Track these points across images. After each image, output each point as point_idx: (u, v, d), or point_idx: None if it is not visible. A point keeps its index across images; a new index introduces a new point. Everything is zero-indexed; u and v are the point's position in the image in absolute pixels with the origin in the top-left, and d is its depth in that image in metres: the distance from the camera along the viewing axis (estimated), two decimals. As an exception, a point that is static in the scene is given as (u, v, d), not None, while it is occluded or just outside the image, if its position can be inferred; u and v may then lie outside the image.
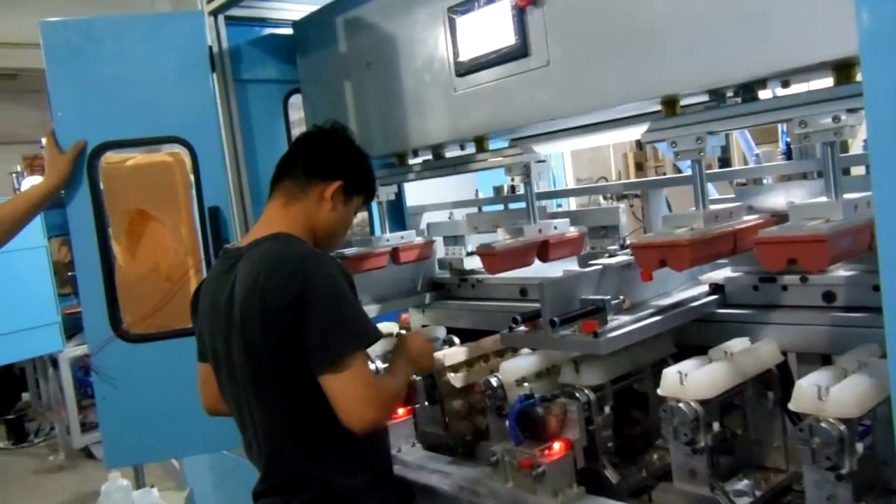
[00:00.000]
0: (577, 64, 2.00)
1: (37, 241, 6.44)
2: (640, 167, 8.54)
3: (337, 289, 1.82)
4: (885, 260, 1.09)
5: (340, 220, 2.07)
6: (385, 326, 3.22)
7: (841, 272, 1.98)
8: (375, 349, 2.50)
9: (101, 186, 2.68)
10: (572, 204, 6.65)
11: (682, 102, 1.95)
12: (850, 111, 1.58)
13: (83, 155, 2.63)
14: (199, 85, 2.78)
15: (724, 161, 6.11)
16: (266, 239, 1.94)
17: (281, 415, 1.89)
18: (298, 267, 1.81)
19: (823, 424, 1.53)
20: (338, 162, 2.06)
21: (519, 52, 2.10)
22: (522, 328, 2.07)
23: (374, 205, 3.01)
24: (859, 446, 1.55)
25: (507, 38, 2.13)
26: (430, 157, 2.76)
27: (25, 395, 8.71)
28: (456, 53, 2.30)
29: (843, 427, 1.53)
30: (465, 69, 2.28)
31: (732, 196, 2.21)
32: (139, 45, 2.72)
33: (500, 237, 2.36)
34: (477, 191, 3.25)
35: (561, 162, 7.05)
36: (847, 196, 1.65)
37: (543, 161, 2.35)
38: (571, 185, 7.20)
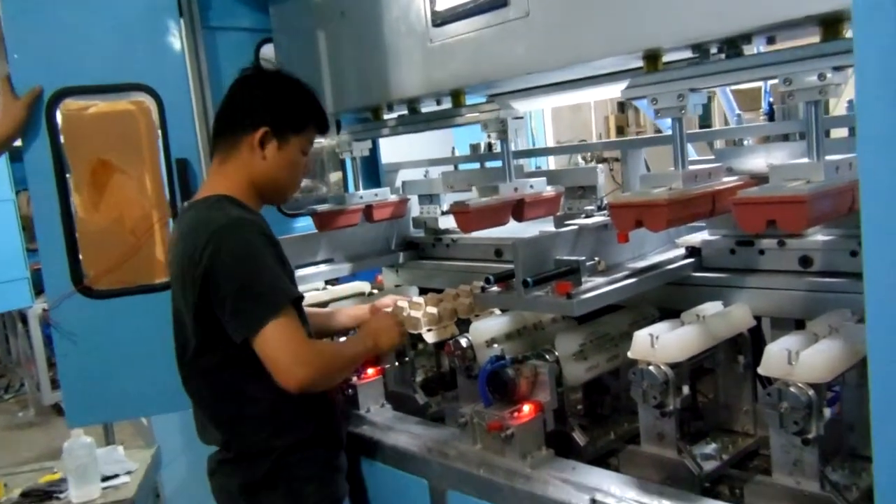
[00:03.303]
0: (557, 15, 1.93)
1: (4, 195, 6.26)
2: (621, 130, 8.45)
3: (248, 256, 1.80)
4: (868, 222, 1.05)
5: (280, 166, 1.98)
6: (356, 286, 3.19)
7: (819, 237, 1.96)
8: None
9: (61, 135, 2.57)
10: (552, 165, 6.60)
11: (665, 59, 1.90)
12: (836, 69, 1.53)
13: (40, 101, 2.51)
14: (166, 31, 2.65)
15: (706, 126, 6.09)
16: (198, 203, 1.94)
17: (203, 382, 1.94)
18: (211, 237, 1.80)
19: (792, 389, 1.52)
20: (259, 106, 1.96)
21: (498, 1, 2.03)
22: (495, 288, 2.03)
23: (347, 161, 2.93)
24: (827, 411, 1.54)
25: (486, -13, 2.04)
26: (405, 112, 2.68)
27: (-4, 351, 8.60)
28: (433, 2, 2.21)
29: (811, 392, 1.52)
30: (442, 19, 2.19)
31: (712, 157, 2.17)
32: (105, -13, 2.58)
33: (475, 195, 2.30)
34: (453, 149, 3.17)
35: (541, 124, 6.97)
36: (829, 157, 1.61)
37: (521, 118, 2.29)
38: (552, 145, 7.14)
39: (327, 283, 3.13)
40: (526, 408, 1.89)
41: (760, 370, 1.61)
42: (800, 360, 1.54)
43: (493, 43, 2.08)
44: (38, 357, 6.74)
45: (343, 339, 2.47)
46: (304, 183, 3.58)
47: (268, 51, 3.00)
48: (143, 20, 2.63)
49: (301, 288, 3.00)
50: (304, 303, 2.93)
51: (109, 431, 3.97)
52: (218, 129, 2.02)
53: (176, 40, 2.68)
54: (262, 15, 2.93)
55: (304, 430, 1.98)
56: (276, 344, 1.78)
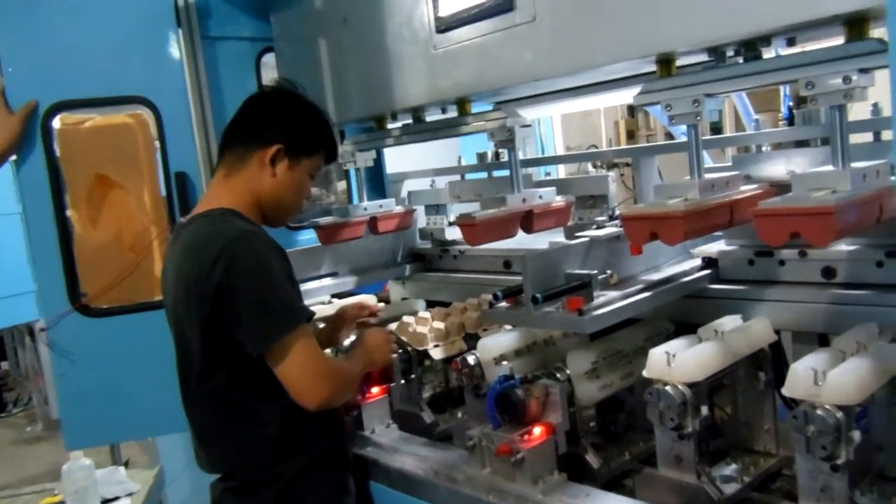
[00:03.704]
0: (566, 19, 1.85)
1: (9, 208, 6.21)
2: (631, 135, 8.36)
3: (263, 271, 1.75)
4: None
5: (287, 186, 1.95)
6: (361, 298, 3.11)
7: (842, 246, 1.87)
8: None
9: (57, 150, 2.51)
10: (561, 172, 6.52)
11: (679, 62, 1.82)
12: (862, 71, 1.44)
13: (35, 115, 2.46)
14: (164, 41, 2.60)
15: (716, 130, 5.96)
16: (200, 217, 1.89)
17: (209, 404, 1.88)
18: (223, 250, 1.74)
19: (819, 412, 1.45)
20: (275, 123, 1.93)
21: (503, 5, 1.95)
22: (503, 304, 1.95)
23: (351, 172, 2.86)
24: (856, 434, 1.47)
25: (491, -9, 1.97)
26: (409, 121, 2.61)
27: (4, 365, 8.57)
28: (436, 8, 2.14)
29: (839, 414, 1.44)
30: (446, 25, 2.12)
31: (728, 164, 2.08)
32: (99, -1, 2.52)
33: (482, 206, 2.22)
34: (460, 158, 3.10)
35: (550, 130, 6.90)
36: (855, 165, 1.52)
37: (529, 126, 2.21)
38: (561, 153, 7.07)
39: (333, 296, 3.06)
40: (537, 430, 1.81)
41: (785, 391, 1.53)
42: (827, 380, 1.45)
43: (499, 49, 2.00)
44: (46, 371, 6.70)
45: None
46: (312, 191, 3.52)
47: (269, 60, 2.94)
48: (140, 31, 2.57)
49: (306, 302, 3.00)
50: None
51: (115, 449, 3.92)
52: (227, 141, 1.97)
53: (174, 51, 2.63)
54: (262, 23, 2.87)
55: (314, 451, 1.92)
56: (297, 360, 1.75)
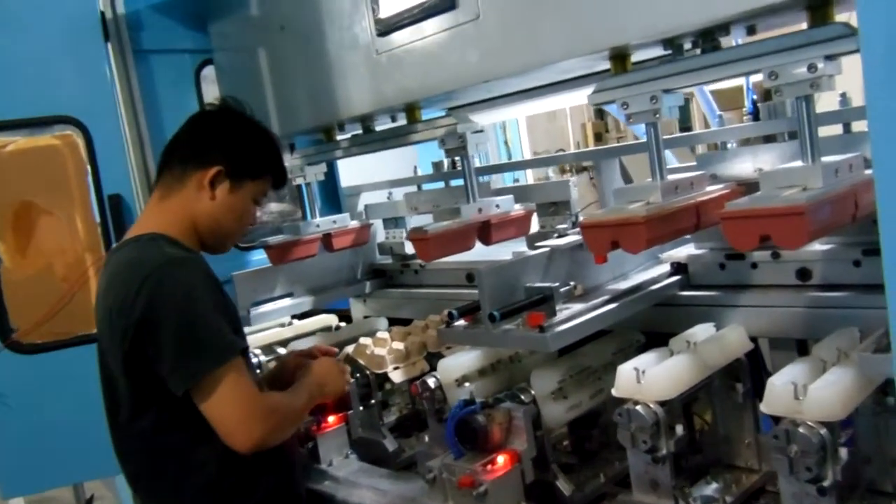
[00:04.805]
0: (511, 15, 1.74)
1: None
2: (599, 137, 8.28)
3: (188, 301, 1.62)
4: (888, 229, 0.85)
5: (227, 210, 1.82)
6: (323, 319, 2.97)
7: (817, 246, 1.78)
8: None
9: (-24, 177, 2.35)
10: (530, 178, 6.41)
11: (635, 58, 1.72)
12: (828, 58, 1.33)
13: None
14: (91, 57, 2.45)
15: (686, 129, 5.88)
16: (128, 242, 1.77)
17: (139, 448, 1.74)
18: (147, 279, 1.61)
19: (801, 429, 1.34)
20: (217, 144, 1.81)
21: (444, 4, 1.83)
22: (461, 322, 1.82)
23: (303, 187, 2.72)
24: (843, 451, 1.36)
25: (432, -12, 1.84)
26: (359, 131, 2.47)
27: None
28: (376, 10, 2.01)
29: (823, 431, 1.34)
30: (387, 27, 1.99)
31: (693, 164, 1.97)
32: (17, 9, 2.36)
33: (435, 219, 2.09)
34: (416, 168, 2.97)
35: (517, 134, 6.80)
36: (826, 159, 1.41)
37: (481, 131, 2.08)
38: (529, 158, 6.96)
39: (294, 317, 2.91)
40: (500, 458, 1.68)
41: (763, 408, 1.42)
42: (808, 395, 1.35)
43: (443, 50, 1.88)
44: None
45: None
46: (282, 207, 3.36)
47: (210, 73, 2.79)
48: (65, 46, 2.42)
49: (262, 325, 2.85)
50: (268, 341, 2.78)
51: (79, 488, 3.70)
52: (166, 160, 1.85)
53: (103, 67, 2.46)
54: (201, 35, 2.72)
55: (257, 493, 1.77)
56: (225, 398, 1.61)
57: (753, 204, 1.36)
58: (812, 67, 1.33)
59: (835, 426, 1.34)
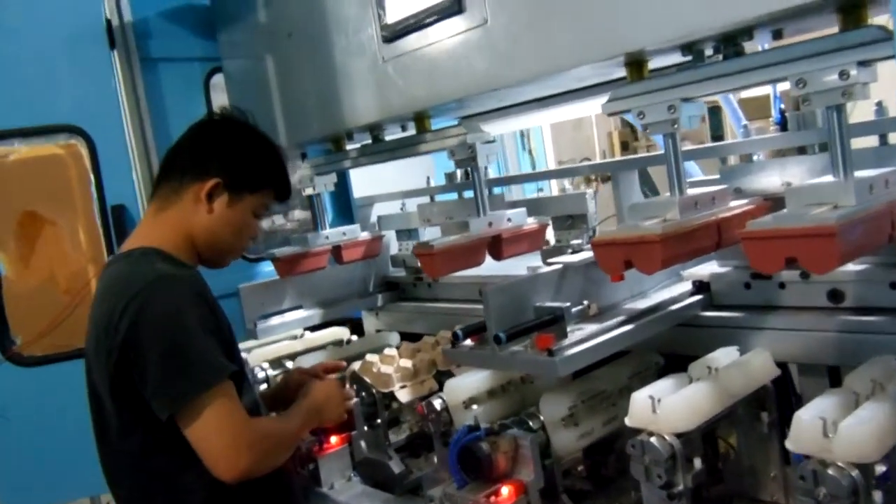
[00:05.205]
0: (521, 20, 1.65)
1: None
2: (626, 147, 8.12)
3: (175, 321, 1.55)
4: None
5: (226, 224, 1.74)
6: (334, 332, 2.89)
7: (850, 266, 1.65)
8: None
9: (-21, 186, 2.32)
10: (554, 189, 6.28)
11: (652, 65, 1.62)
12: (862, 64, 1.22)
13: None
14: (96, 65, 2.41)
15: (717, 138, 5.64)
16: (120, 257, 1.70)
17: (127, 469, 1.67)
18: (134, 297, 1.54)
19: (831, 471, 1.22)
20: (216, 155, 1.74)
21: (451, 8, 1.74)
22: (467, 343, 1.73)
23: (312, 198, 2.65)
24: (878, 496, 1.22)
25: (437, -7, 1.76)
26: (368, 140, 2.39)
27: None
28: (382, 15, 1.93)
29: (855, 473, 1.21)
30: (393, 33, 1.91)
31: (716, 177, 1.86)
32: (21, 16, 2.32)
33: (443, 232, 2.00)
34: (428, 178, 2.88)
35: (541, 143, 6.69)
36: (859, 174, 1.29)
37: (492, 141, 1.99)
38: (553, 167, 6.84)
39: (306, 329, 2.83)
40: (505, 490, 1.59)
41: (789, 445, 1.29)
42: (839, 432, 1.22)
43: (450, 57, 1.80)
44: None
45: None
46: (306, 215, 3.26)
47: (220, 81, 2.74)
48: (69, 54, 2.39)
49: (271, 338, 2.78)
50: (277, 354, 2.71)
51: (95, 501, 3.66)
52: (164, 171, 1.79)
53: (108, 75, 2.42)
54: (210, 42, 2.67)
55: None
56: (210, 424, 1.53)
57: (778, 223, 1.24)
58: (844, 74, 1.23)
59: (868, 469, 1.22)
